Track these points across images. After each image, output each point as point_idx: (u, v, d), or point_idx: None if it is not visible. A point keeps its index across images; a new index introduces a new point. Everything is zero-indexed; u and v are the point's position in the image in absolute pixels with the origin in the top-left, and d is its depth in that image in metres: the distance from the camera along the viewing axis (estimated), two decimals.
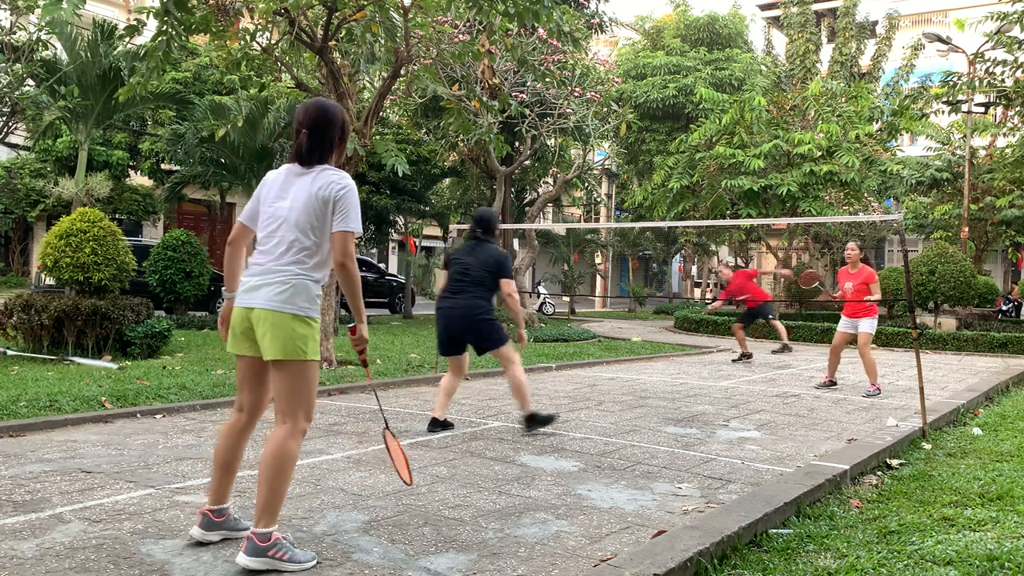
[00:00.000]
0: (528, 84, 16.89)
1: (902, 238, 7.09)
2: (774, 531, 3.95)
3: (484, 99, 11.13)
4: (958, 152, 23.40)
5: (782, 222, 17.90)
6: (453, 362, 6.52)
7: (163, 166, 22.52)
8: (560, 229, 27.02)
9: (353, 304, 3.48)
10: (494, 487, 4.69)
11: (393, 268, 36.15)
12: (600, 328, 19.22)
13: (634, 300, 32.87)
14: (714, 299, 14.17)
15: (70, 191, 14.53)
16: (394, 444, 3.87)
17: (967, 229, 21.24)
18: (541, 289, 29.80)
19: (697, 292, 39.45)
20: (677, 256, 37.25)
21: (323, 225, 3.35)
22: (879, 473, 5.34)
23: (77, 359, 4.20)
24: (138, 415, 6.61)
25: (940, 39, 20.51)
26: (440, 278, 6.69)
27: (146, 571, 3.25)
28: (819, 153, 18.44)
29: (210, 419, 6.63)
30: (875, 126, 20.02)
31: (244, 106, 16.04)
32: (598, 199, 34.17)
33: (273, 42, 10.18)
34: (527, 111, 16.95)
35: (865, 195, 21.92)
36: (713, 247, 34.06)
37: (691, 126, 21.97)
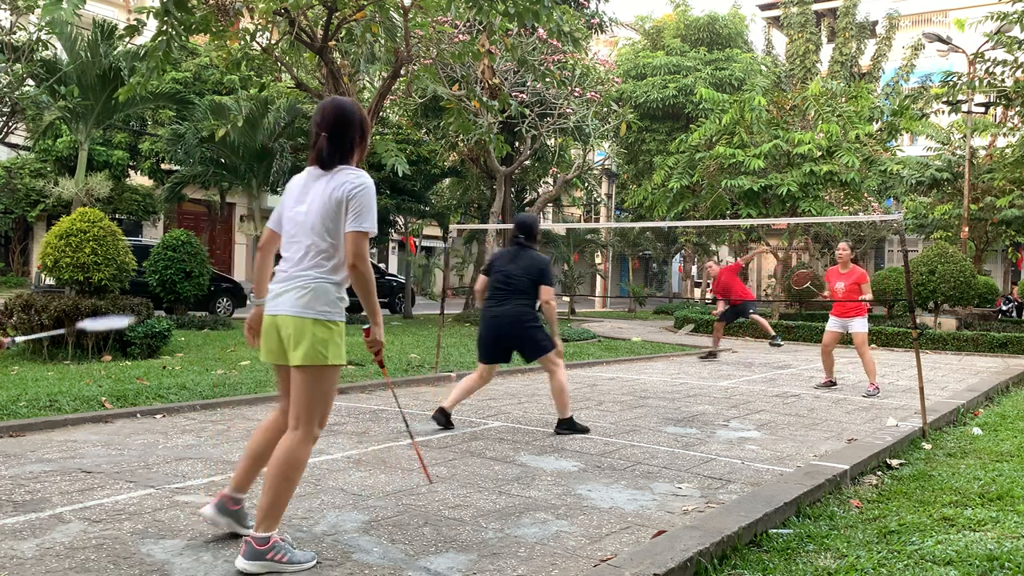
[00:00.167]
0: (528, 84, 16.90)
1: (902, 238, 7.09)
2: (774, 531, 3.95)
3: (484, 99, 11.14)
4: (958, 152, 23.40)
5: (782, 222, 17.90)
6: (487, 369, 6.58)
7: (163, 166, 22.54)
8: (560, 229, 27.01)
9: (367, 306, 3.43)
10: (494, 487, 4.69)
11: (393, 268, 36.16)
12: (600, 328, 19.23)
13: (634, 300, 32.86)
14: (714, 300, 14.20)
15: (70, 191, 14.54)
16: (417, 450, 4.08)
17: (967, 229, 21.24)
18: None
19: (697, 292, 39.44)
20: (677, 256, 37.24)
21: (339, 227, 3.29)
22: (879, 473, 5.34)
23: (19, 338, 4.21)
24: (138, 415, 6.61)
25: (940, 39, 20.51)
26: (479, 283, 6.71)
27: (146, 571, 3.25)
28: (819, 153, 18.44)
29: (210, 419, 6.63)
30: (875, 126, 20.01)
31: (244, 106, 16.06)
32: (598, 199, 34.17)
33: (273, 42, 10.19)
34: (527, 111, 16.95)
35: (865, 195, 21.91)
36: (713, 247, 34.06)
37: (691, 126, 21.97)
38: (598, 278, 37.60)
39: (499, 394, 8.51)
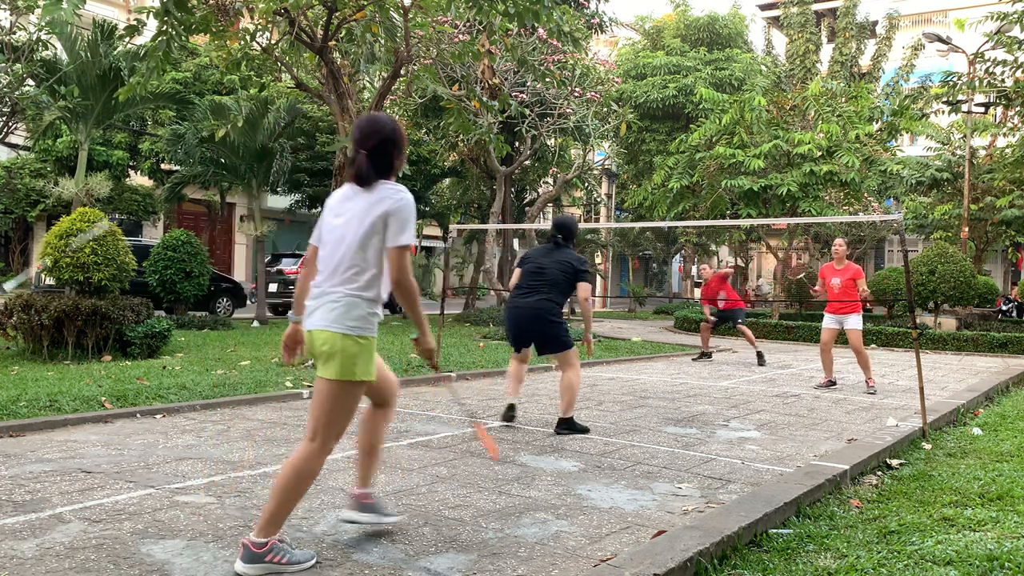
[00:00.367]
0: (528, 84, 16.90)
1: (902, 238, 7.08)
2: (774, 531, 3.95)
3: (484, 99, 11.14)
4: (958, 152, 23.40)
5: (782, 222, 17.88)
6: (519, 355, 6.74)
7: (163, 166, 22.54)
8: None
9: (413, 316, 3.45)
10: (494, 487, 4.69)
11: None
12: (600, 328, 19.22)
13: (634, 300, 32.86)
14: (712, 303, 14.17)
15: (70, 191, 14.53)
16: (482, 431, 4.23)
17: (967, 229, 21.24)
18: None
19: (697, 292, 39.43)
20: (677, 256, 37.24)
21: (373, 241, 3.29)
22: (879, 473, 5.34)
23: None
24: (138, 415, 6.61)
25: (940, 39, 20.51)
26: (514, 276, 6.82)
27: (146, 571, 3.25)
28: (819, 153, 18.44)
29: (210, 419, 6.63)
30: (875, 126, 20.01)
31: (244, 106, 16.06)
32: (598, 199, 34.17)
33: (273, 42, 10.18)
34: (527, 111, 16.95)
35: (865, 195, 21.91)
36: (713, 247, 34.06)
37: (691, 126, 21.97)
38: (598, 278, 37.60)
39: (499, 394, 8.51)
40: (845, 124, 18.57)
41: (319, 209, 20.72)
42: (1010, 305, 26.09)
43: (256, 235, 17.74)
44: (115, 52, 14.01)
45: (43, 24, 13.57)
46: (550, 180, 25.46)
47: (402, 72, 10.12)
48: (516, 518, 4.10)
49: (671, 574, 3.21)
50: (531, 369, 10.47)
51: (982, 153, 23.93)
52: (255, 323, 16.99)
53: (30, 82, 16.23)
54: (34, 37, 15.00)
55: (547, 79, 14.04)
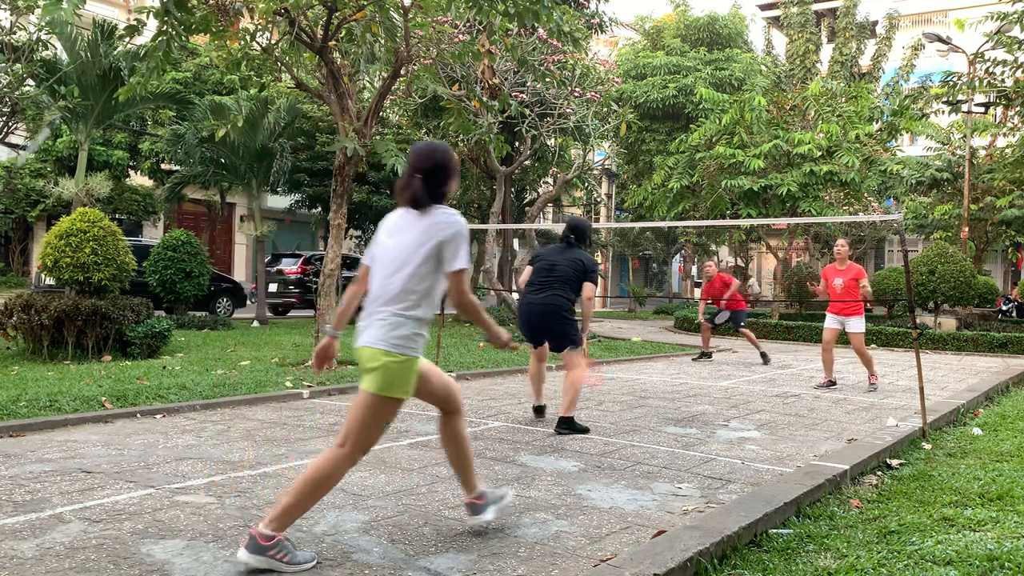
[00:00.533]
0: (528, 84, 16.90)
1: (902, 238, 7.08)
2: (774, 531, 3.94)
3: (484, 99, 11.14)
4: (958, 152, 23.39)
5: (782, 222, 17.89)
6: (537, 352, 6.88)
7: (163, 166, 22.53)
8: (560, 229, 27.03)
9: (480, 325, 3.70)
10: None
11: None
12: (600, 328, 19.22)
13: (634, 300, 32.86)
14: (714, 305, 14.05)
15: (70, 191, 14.54)
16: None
17: (967, 229, 21.24)
18: None
19: (697, 292, 39.44)
20: (677, 256, 37.24)
21: (426, 264, 3.38)
22: (879, 473, 5.34)
23: None
24: (138, 415, 6.61)
25: (940, 39, 20.51)
26: (524, 274, 6.98)
27: (146, 571, 3.25)
28: (819, 153, 18.44)
29: (210, 419, 6.63)
30: (875, 126, 20.01)
31: (244, 106, 16.05)
32: (598, 199, 34.16)
33: (273, 42, 10.18)
34: (527, 111, 16.95)
35: (865, 195, 21.91)
36: (713, 247, 34.06)
37: (691, 126, 21.97)
38: (599, 278, 37.59)
39: (499, 394, 8.51)
40: (845, 124, 18.57)
41: (319, 209, 20.76)
42: (1010, 305, 26.08)
43: (256, 235, 17.74)
44: (115, 52, 14.01)
45: (43, 24, 13.56)
46: (550, 180, 25.45)
47: (402, 72, 10.12)
48: (516, 518, 4.10)
49: (671, 574, 3.21)
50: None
51: (982, 153, 23.92)
52: (255, 323, 16.99)
53: (30, 82, 16.22)
54: (34, 37, 14.99)
55: (547, 79, 14.03)
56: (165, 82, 18.36)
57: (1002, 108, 18.37)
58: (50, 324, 9.53)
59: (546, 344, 6.88)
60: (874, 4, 33.27)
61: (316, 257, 20.77)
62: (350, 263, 21.78)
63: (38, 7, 13.89)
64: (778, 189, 18.03)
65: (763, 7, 38.20)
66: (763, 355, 12.66)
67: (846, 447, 5.90)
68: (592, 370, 4.15)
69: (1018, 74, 15.60)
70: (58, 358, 9.58)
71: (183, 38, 8.73)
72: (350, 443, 3.41)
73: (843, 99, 19.43)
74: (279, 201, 25.26)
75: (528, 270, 6.92)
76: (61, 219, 10.54)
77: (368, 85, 18.82)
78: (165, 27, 8.32)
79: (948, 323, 18.06)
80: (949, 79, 16.38)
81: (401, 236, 3.44)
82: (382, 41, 10.66)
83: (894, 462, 5.61)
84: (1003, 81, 15.82)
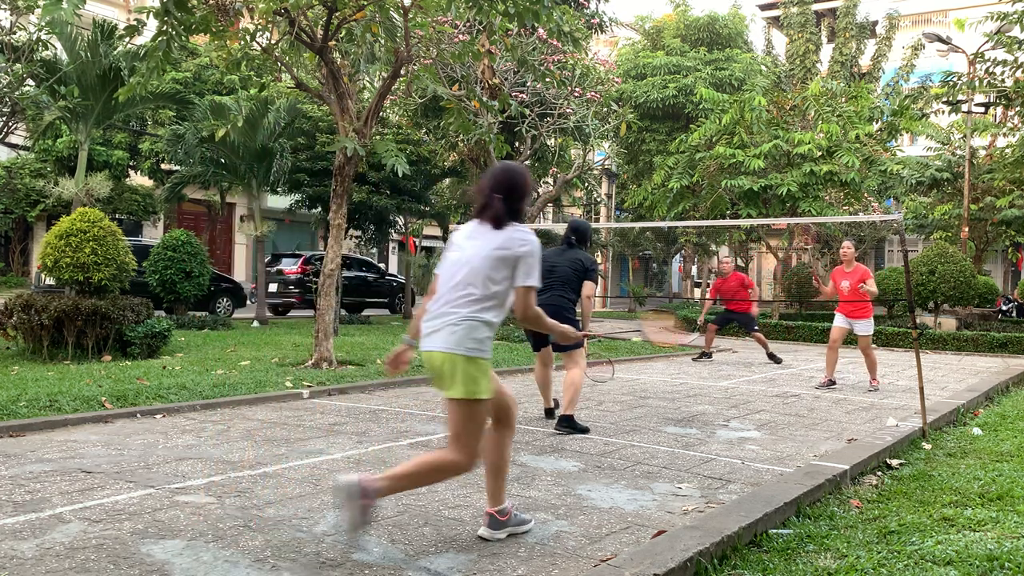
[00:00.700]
0: (528, 84, 16.89)
1: (902, 238, 7.08)
2: (774, 531, 3.94)
3: (484, 99, 11.14)
4: (958, 152, 23.39)
5: (782, 222, 17.90)
6: (541, 355, 6.96)
7: (163, 166, 22.52)
8: (560, 229, 27.04)
9: (545, 330, 3.89)
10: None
11: (393, 268, 36.14)
12: (600, 328, 19.22)
13: (634, 300, 32.84)
14: (716, 302, 13.88)
15: (70, 191, 14.53)
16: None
17: (967, 229, 21.23)
18: None
19: (697, 292, 39.44)
20: (677, 256, 37.23)
21: (499, 274, 3.54)
22: (879, 473, 5.34)
23: None
24: (138, 415, 6.61)
25: (940, 39, 20.50)
26: None
27: (146, 571, 3.25)
28: (819, 153, 18.43)
29: (210, 419, 6.63)
30: (875, 126, 20.00)
31: (244, 106, 16.06)
32: (598, 199, 34.15)
33: (273, 42, 10.18)
34: (527, 111, 16.94)
35: (865, 195, 21.89)
36: (713, 247, 34.04)
37: (691, 126, 21.96)
38: (599, 278, 37.58)
39: None
40: (845, 124, 18.56)
41: (319, 209, 20.75)
42: (1010, 305, 26.08)
43: (256, 235, 17.74)
44: (115, 52, 13.99)
45: (43, 24, 13.55)
46: (550, 180, 25.44)
47: (402, 72, 10.11)
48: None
49: (671, 574, 3.21)
50: (531, 369, 10.47)
51: (982, 153, 23.91)
52: (255, 323, 16.99)
53: (30, 82, 16.22)
54: (34, 37, 14.98)
55: (547, 79, 14.03)
56: (165, 82, 18.35)
57: (1002, 108, 18.36)
58: (50, 324, 9.53)
59: (549, 347, 6.92)
60: (874, 4, 33.26)
61: (316, 257, 20.77)
62: (350, 263, 21.80)
63: (38, 7, 13.88)
64: (778, 189, 18.02)
65: (763, 7, 38.19)
66: (772, 356, 12.60)
67: (846, 447, 5.90)
68: (603, 368, 4.23)
69: (1018, 74, 15.59)
70: (58, 358, 9.58)
71: (183, 38, 8.73)
72: (455, 450, 3.55)
73: (843, 99, 19.42)
74: (279, 201, 25.26)
75: None
76: (61, 219, 10.54)
77: (368, 85, 18.81)
78: (165, 27, 8.32)
79: (948, 323, 18.05)
80: (949, 79, 16.37)
81: (477, 245, 3.60)
82: (382, 41, 10.65)
83: (894, 462, 5.61)
84: (1003, 81, 15.82)
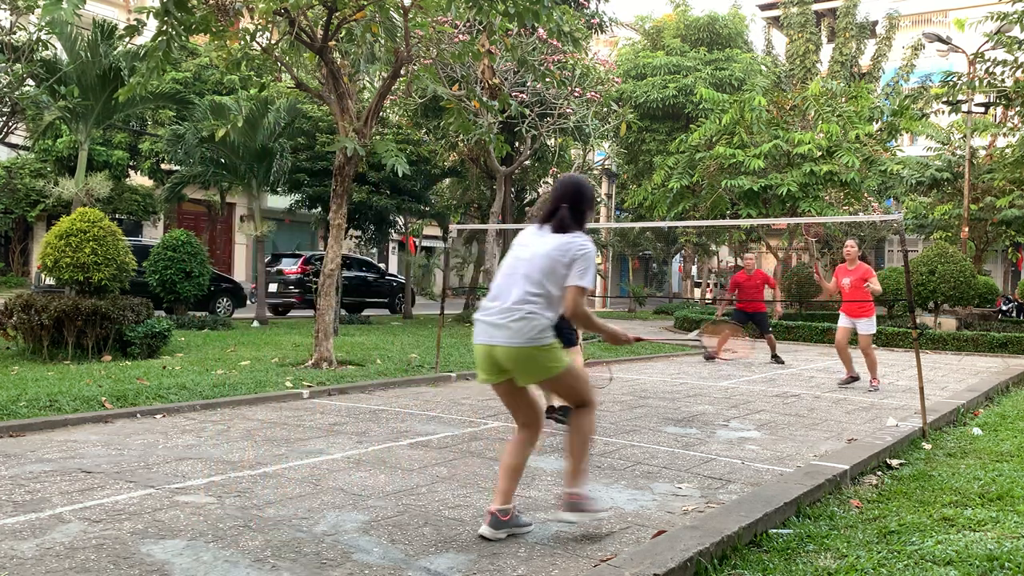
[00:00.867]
0: (528, 84, 16.90)
1: (902, 238, 7.09)
2: (774, 531, 3.95)
3: (484, 99, 11.14)
4: (958, 152, 23.39)
5: (782, 222, 17.89)
6: None
7: (163, 166, 22.53)
8: None
9: (594, 330, 3.98)
10: (494, 487, 4.68)
11: (393, 268, 36.15)
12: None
13: (634, 300, 32.84)
14: (731, 302, 13.43)
15: (70, 191, 14.53)
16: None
17: (967, 229, 21.23)
18: None
19: (697, 292, 39.44)
20: (677, 256, 37.23)
21: (557, 274, 3.76)
22: (879, 473, 5.34)
23: None
24: (138, 415, 6.61)
25: (940, 39, 20.50)
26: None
27: (146, 571, 3.25)
28: (819, 153, 18.43)
29: (210, 419, 6.63)
30: (875, 126, 20.00)
31: (244, 106, 16.05)
32: (598, 199, 34.16)
33: (273, 42, 10.18)
34: (527, 111, 16.95)
35: (865, 195, 21.90)
36: (713, 247, 34.03)
37: (691, 126, 21.96)
38: (598, 278, 37.60)
39: None
40: (845, 124, 18.56)
41: (319, 209, 20.75)
42: (1010, 305, 26.08)
43: (256, 235, 17.74)
44: (115, 52, 13.99)
45: (43, 24, 13.55)
46: (550, 180, 25.44)
47: (402, 72, 10.11)
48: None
49: (671, 574, 3.21)
50: None
51: (982, 153, 23.91)
52: (255, 323, 16.99)
53: (30, 82, 16.22)
54: (34, 37, 14.98)
55: (547, 79, 14.03)
56: (165, 82, 18.35)
57: (1002, 108, 18.36)
58: (50, 324, 9.53)
59: None
60: (874, 4, 33.26)
61: (316, 257, 20.77)
62: (350, 263, 21.79)
63: (38, 7, 13.88)
64: (778, 189, 18.02)
65: (763, 7, 38.19)
66: (776, 357, 12.55)
67: (846, 447, 5.90)
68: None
69: (1018, 74, 15.60)
70: (58, 358, 9.58)
71: (183, 38, 8.73)
72: (577, 403, 3.95)
73: (843, 99, 19.43)
74: (279, 201, 25.26)
75: None
76: (61, 219, 10.54)
77: (368, 85, 18.81)
78: (165, 27, 8.31)
79: (948, 323, 18.05)
80: (949, 79, 16.38)
81: (539, 247, 3.84)
82: (382, 41, 10.65)
83: (894, 462, 5.61)
84: (1003, 81, 15.82)
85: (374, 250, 28.01)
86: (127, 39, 9.58)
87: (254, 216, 17.90)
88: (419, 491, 4.54)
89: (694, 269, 38.91)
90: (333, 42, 9.84)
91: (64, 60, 14.55)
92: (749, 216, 18.04)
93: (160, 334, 10.32)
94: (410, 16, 9.36)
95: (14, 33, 17.16)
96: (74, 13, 6.96)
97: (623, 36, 31.17)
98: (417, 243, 26.57)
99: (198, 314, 16.35)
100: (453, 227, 12.68)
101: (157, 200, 23.56)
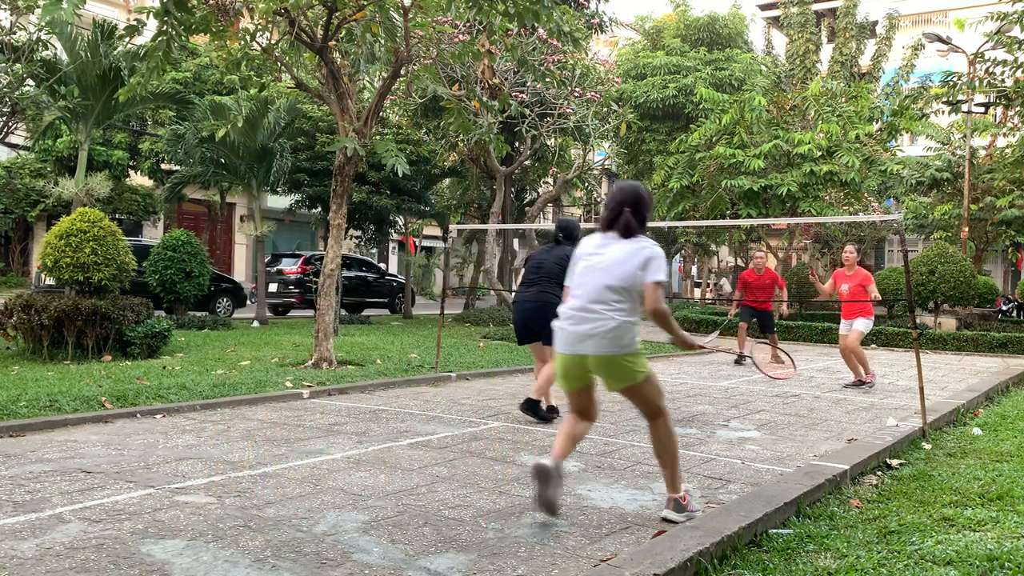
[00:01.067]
0: (528, 84, 16.90)
1: (902, 238, 7.09)
2: (774, 531, 3.95)
3: (484, 99, 11.13)
4: (958, 152, 23.38)
5: (782, 222, 17.89)
6: (535, 351, 7.06)
7: (163, 166, 22.53)
8: None
9: (669, 331, 4.18)
10: (494, 487, 4.69)
11: (393, 268, 36.15)
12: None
13: None
14: (739, 301, 13.11)
15: (70, 191, 14.53)
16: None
17: (967, 229, 21.23)
18: None
19: (697, 292, 39.44)
20: (677, 256, 37.22)
21: (632, 281, 3.98)
22: (879, 473, 5.34)
23: None
24: (138, 415, 6.61)
25: (940, 39, 20.50)
26: (519, 277, 7.31)
27: (146, 571, 3.25)
28: (819, 153, 18.42)
29: (210, 419, 6.63)
30: (875, 126, 19.99)
31: (244, 106, 16.05)
32: (598, 199, 34.17)
33: (273, 42, 10.18)
34: (527, 111, 16.95)
35: (865, 195, 21.89)
36: (713, 247, 34.02)
37: (691, 126, 21.95)
38: None
39: (499, 394, 8.52)
40: (845, 124, 18.55)
41: (319, 209, 20.76)
42: (1010, 305, 26.08)
43: (256, 235, 17.74)
44: (115, 52, 13.99)
45: (43, 24, 13.55)
46: (550, 180, 25.46)
47: (402, 72, 10.11)
48: (516, 518, 4.10)
49: (671, 574, 3.21)
50: (530, 369, 10.47)
51: (982, 153, 23.91)
52: (255, 323, 16.99)
53: (30, 82, 16.22)
54: (34, 37, 14.98)
55: (547, 79, 14.04)
56: (165, 82, 18.35)
57: (1002, 108, 18.36)
58: (50, 324, 9.53)
59: (539, 342, 6.97)
60: (874, 4, 33.26)
61: (316, 257, 20.76)
62: (350, 263, 21.79)
63: (38, 7, 13.89)
64: (778, 189, 18.02)
65: (763, 7, 38.19)
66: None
67: (846, 447, 5.90)
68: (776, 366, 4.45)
69: (1018, 74, 15.59)
70: (58, 358, 9.58)
71: (183, 38, 8.73)
72: (656, 413, 4.09)
73: (843, 99, 19.42)
74: (279, 201, 25.27)
75: (522, 272, 7.17)
76: (61, 219, 10.54)
77: (368, 85, 18.82)
78: (165, 27, 8.31)
79: (948, 323, 18.05)
80: (949, 79, 16.37)
81: (613, 254, 4.05)
82: (382, 41, 10.66)
83: (894, 462, 5.61)
84: (1003, 81, 15.82)
85: (374, 250, 28.01)
86: (127, 39, 9.58)
87: (254, 216, 17.90)
88: (419, 491, 4.54)
89: (694, 269, 38.90)
90: (333, 42, 9.85)
91: (64, 60, 14.55)
92: (749, 216, 18.04)
93: (160, 334, 10.32)
94: (410, 16, 9.36)
95: (14, 33, 17.16)
96: (74, 13, 6.96)
97: (623, 36, 31.17)
98: (417, 243, 26.58)
99: (198, 314, 16.35)
100: (453, 227, 12.70)
101: (157, 200, 23.56)
